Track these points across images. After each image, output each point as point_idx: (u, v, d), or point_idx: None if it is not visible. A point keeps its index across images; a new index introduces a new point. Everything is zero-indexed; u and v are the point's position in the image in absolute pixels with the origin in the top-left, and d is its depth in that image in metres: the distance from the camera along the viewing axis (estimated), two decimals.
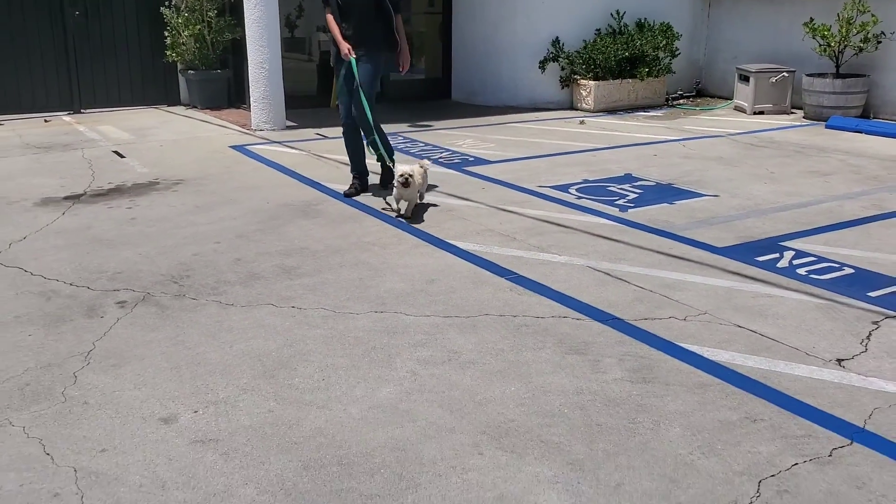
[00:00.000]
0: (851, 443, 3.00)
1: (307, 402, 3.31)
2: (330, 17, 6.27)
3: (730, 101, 11.78)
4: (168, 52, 10.78)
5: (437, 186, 6.78)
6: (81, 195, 6.61)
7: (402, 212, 5.84)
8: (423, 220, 5.81)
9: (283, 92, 9.49)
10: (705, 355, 3.71)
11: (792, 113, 11.04)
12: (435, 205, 6.20)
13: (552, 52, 11.29)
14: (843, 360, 3.68)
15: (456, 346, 3.82)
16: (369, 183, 6.68)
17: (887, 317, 4.17)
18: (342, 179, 6.94)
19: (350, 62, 6.13)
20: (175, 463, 2.87)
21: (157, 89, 11.37)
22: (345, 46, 6.13)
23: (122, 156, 8.11)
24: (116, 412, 3.22)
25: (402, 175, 5.64)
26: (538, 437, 3.05)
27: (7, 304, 4.33)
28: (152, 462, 2.88)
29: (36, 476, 2.80)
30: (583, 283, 4.61)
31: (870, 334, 3.96)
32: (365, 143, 6.43)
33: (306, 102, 11.12)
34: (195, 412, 3.23)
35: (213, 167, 7.66)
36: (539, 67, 11.36)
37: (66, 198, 6.52)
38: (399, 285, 4.61)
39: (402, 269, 4.87)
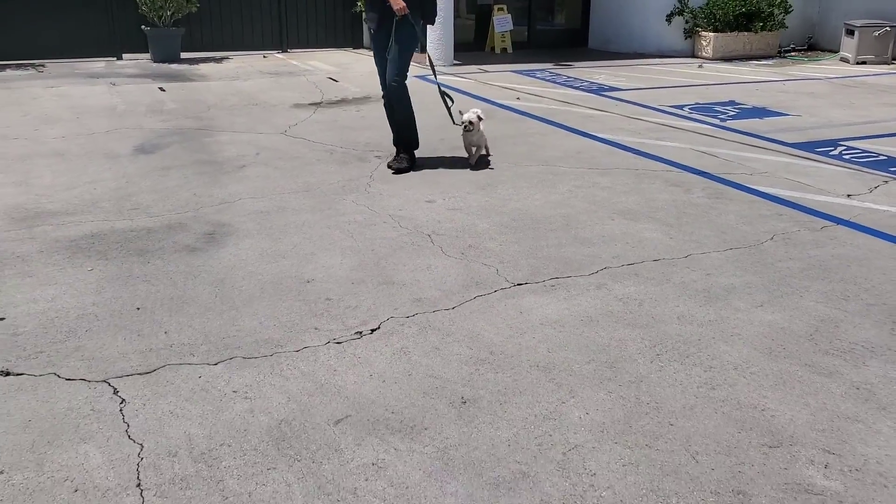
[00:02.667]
0: (837, 225, 5.05)
1: (507, 199, 5.60)
2: None
3: (836, 54, 13.30)
4: (358, 3, 13.27)
5: (571, 104, 8.93)
6: (320, 103, 9.13)
7: (472, 155, 6.32)
8: (489, 167, 6.31)
9: (453, 35, 11.82)
10: (760, 189, 5.78)
11: (893, 63, 12.51)
12: (491, 154, 6.61)
13: (678, 7, 13.14)
14: (851, 195, 5.68)
15: (597, 181, 6.04)
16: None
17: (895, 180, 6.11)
18: (505, 97, 9.21)
19: (394, 23, 5.86)
20: (440, 214, 5.23)
21: (344, 34, 13.94)
22: (400, 2, 5.76)
23: (335, 80, 10.64)
24: (399, 198, 5.61)
25: (463, 123, 6.17)
26: (647, 215, 5.24)
27: (308, 154, 6.82)
28: (428, 214, 5.25)
29: (369, 216, 5.20)
30: (686, 156, 6.72)
31: (878, 186, 5.92)
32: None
33: (465, 47, 13.42)
34: (444, 199, 5.58)
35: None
36: (666, 20, 13.23)
37: (310, 104, 9.06)
38: (556, 153, 6.84)
39: (557, 146, 7.10)
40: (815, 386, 3.17)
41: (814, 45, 14.35)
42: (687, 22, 13.23)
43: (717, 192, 5.75)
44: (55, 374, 3.18)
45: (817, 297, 3.99)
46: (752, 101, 9.29)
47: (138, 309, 3.77)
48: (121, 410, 2.93)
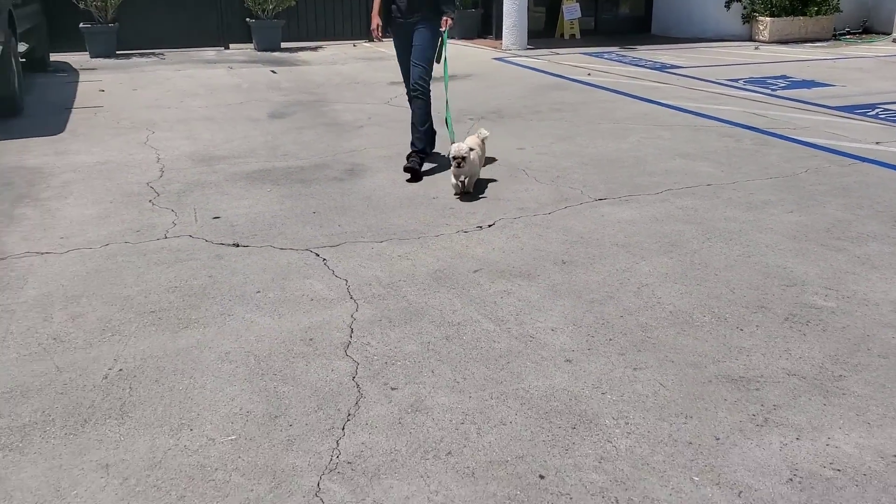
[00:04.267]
0: (863, 162, 6.08)
1: (585, 146, 6.75)
2: None
3: (889, 35, 14.05)
4: None
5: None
6: None
7: (462, 188, 5.38)
8: (484, 195, 5.38)
9: (527, 21, 13.00)
10: (800, 139, 6.82)
11: None
12: (494, 180, 5.73)
13: None
14: (879, 142, 6.69)
15: (660, 134, 7.14)
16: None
17: None
18: (576, 73, 10.35)
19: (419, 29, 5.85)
20: (530, 157, 6.39)
21: None
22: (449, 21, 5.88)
23: None
24: (495, 147, 6.77)
25: (455, 158, 5.17)
26: (702, 157, 6.34)
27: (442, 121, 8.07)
28: (520, 157, 6.42)
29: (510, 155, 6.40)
30: (738, 116, 7.78)
31: None
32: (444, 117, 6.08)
33: (536, 35, 14.56)
34: (532, 147, 6.74)
35: (487, 69, 11.27)
36: (725, 6, 14.16)
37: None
38: (624, 115, 7.96)
39: (625, 109, 8.22)
40: (825, 255, 4.27)
41: (868, 29, 15.09)
42: (745, 7, 14.13)
43: (763, 141, 6.82)
44: (271, 245, 4.47)
45: (837, 207, 5.07)
46: (802, 76, 10.24)
47: (314, 213, 5.05)
48: (325, 264, 4.19)
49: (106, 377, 3.07)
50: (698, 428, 2.75)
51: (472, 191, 5.40)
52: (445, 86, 6.22)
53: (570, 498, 2.41)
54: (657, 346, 3.32)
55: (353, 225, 4.82)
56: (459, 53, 13.05)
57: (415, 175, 5.84)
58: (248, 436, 2.71)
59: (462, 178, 5.34)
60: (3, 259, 4.26)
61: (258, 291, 3.86)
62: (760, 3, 13.93)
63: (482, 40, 14.55)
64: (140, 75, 10.86)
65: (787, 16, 13.93)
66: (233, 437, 2.70)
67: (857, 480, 2.48)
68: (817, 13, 13.99)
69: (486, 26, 14.86)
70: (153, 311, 3.63)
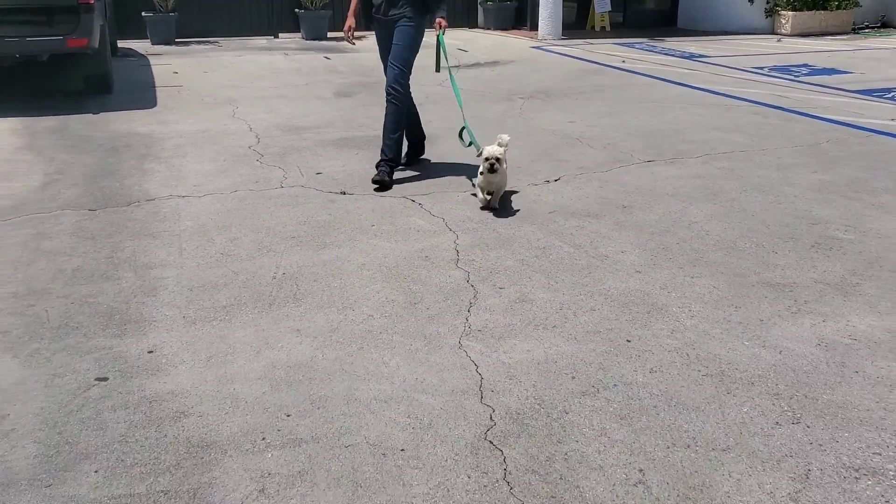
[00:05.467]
0: (879, 135, 6.83)
1: (629, 120, 7.51)
2: None
3: None
4: None
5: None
6: (458, 66, 11.17)
7: (490, 202, 4.86)
8: (513, 211, 4.87)
9: (561, 13, 13.78)
10: (822, 116, 7.58)
11: None
12: (516, 191, 5.26)
13: None
14: (894, 119, 7.43)
15: (696, 111, 7.91)
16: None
17: None
18: (611, 61, 11.13)
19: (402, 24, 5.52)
20: (581, 128, 7.18)
21: (462, 15, 15.98)
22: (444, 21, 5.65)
23: (465, 51, 12.69)
24: (547, 120, 7.58)
25: (488, 160, 4.67)
26: (735, 130, 7.10)
27: (467, 98, 8.88)
28: (572, 128, 7.21)
29: (529, 129, 7.19)
30: (765, 98, 8.54)
31: None
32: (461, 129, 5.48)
33: (568, 26, 15.30)
34: (581, 120, 7.53)
35: (526, 56, 12.06)
36: (748, 1, 14.86)
37: (452, 67, 11.10)
38: (661, 96, 8.73)
39: (662, 91, 8.99)
40: (845, 203, 5.04)
41: (887, 23, 15.75)
42: (768, 2, 14.83)
43: (788, 117, 7.58)
44: (372, 194, 5.28)
45: (855, 168, 5.83)
46: (823, 64, 10.97)
47: (401, 170, 5.86)
48: (422, 207, 5.00)
49: (274, 277, 3.89)
50: (746, 314, 3.54)
51: (498, 206, 4.89)
52: (456, 93, 5.77)
53: (653, 353, 3.21)
54: (709, 263, 4.11)
55: (437, 179, 5.62)
56: (499, 42, 13.85)
57: (383, 186, 5.30)
58: (397, 314, 3.52)
59: (489, 190, 4.82)
60: (152, 200, 5.10)
61: (372, 225, 4.67)
62: None
63: (517, 31, 15.32)
64: (205, 60, 11.71)
65: (808, 10, 14.61)
66: (387, 315, 3.51)
67: (869, 346, 3.26)
68: (838, 7, 14.67)
69: (520, 18, 15.63)
70: (293, 237, 4.45)
